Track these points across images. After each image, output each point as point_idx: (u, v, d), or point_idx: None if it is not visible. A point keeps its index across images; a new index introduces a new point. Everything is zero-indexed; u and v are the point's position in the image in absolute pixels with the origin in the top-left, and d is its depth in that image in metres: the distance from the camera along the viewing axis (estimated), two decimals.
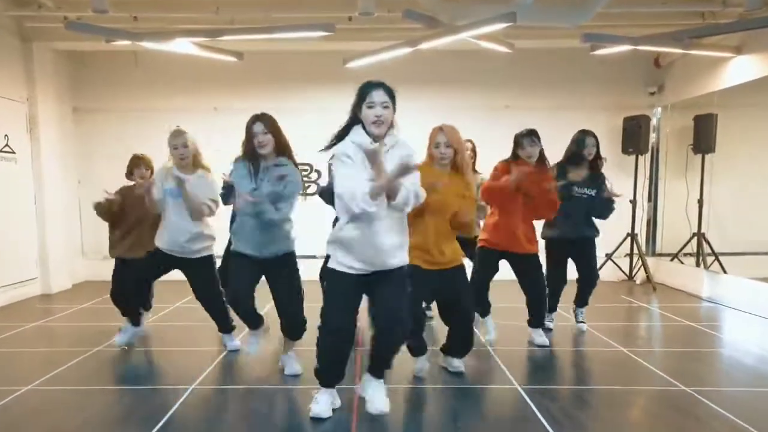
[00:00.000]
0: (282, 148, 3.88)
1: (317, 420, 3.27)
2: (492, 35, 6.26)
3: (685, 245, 7.63)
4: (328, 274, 3.25)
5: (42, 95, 7.45)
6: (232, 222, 4.34)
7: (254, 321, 4.16)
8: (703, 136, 7.33)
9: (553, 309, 5.25)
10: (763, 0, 5.82)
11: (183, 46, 6.33)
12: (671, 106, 8.15)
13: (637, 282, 8.09)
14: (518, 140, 4.67)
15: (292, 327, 4.03)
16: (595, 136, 5.08)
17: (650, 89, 8.31)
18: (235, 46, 6.94)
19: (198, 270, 4.58)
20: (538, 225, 5.00)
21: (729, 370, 4.41)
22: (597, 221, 5.16)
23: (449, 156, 3.71)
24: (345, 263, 3.10)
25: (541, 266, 4.80)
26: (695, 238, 7.48)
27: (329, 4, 6.56)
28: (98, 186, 6.26)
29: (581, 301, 5.33)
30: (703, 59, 6.96)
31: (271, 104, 8.19)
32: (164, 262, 4.52)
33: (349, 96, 7.74)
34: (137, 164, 4.90)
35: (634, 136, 7.96)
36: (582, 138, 5.05)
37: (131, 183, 4.90)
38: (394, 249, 3.12)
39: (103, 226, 5.07)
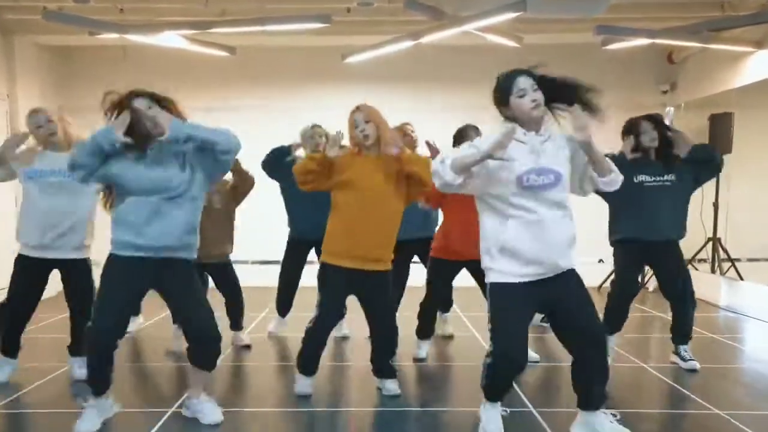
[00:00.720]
0: None
1: None
2: (499, 28, 5.99)
3: (699, 251, 7.33)
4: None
5: (23, 92, 7.15)
6: None
7: None
8: (719, 137, 7.01)
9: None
10: None
11: (172, 39, 6.05)
12: (685, 104, 7.87)
13: (650, 290, 7.77)
14: (463, 133, 4.37)
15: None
16: (653, 121, 4.21)
17: (663, 87, 8.06)
18: (228, 40, 6.68)
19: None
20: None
21: (761, 389, 4.00)
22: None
23: (372, 133, 3.45)
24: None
25: None
26: (710, 243, 7.20)
27: None
28: None
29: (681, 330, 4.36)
30: (720, 54, 6.67)
31: (267, 102, 8.01)
32: None
33: (349, 94, 7.44)
34: None
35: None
36: (635, 125, 4.21)
37: None
38: None
39: None
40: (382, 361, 3.82)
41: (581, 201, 3.11)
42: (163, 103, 3.12)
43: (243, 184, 4.70)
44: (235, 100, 8.02)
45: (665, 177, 4.08)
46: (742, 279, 6.81)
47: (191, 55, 6.71)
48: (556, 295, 2.87)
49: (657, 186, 4.08)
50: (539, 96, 2.81)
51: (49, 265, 3.91)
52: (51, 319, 5.44)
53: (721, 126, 6.99)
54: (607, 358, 3.00)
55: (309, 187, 3.59)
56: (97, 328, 3.04)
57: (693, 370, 4.20)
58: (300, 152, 5.02)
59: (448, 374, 4.35)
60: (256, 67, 7.85)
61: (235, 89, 8.05)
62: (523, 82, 2.81)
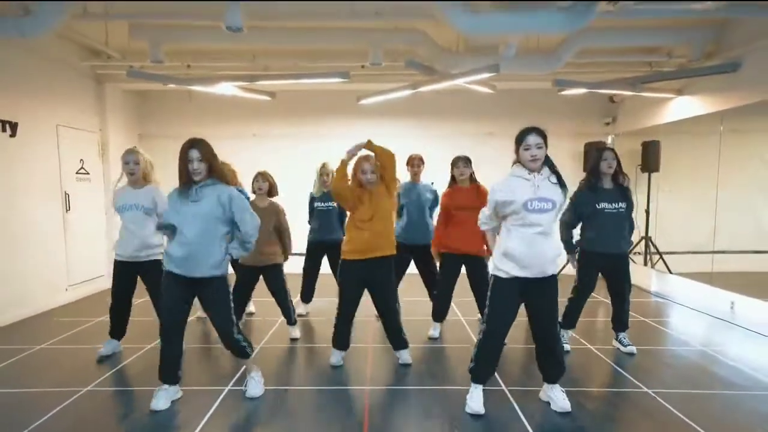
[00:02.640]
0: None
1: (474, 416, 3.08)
2: (478, 80, 5.97)
3: (635, 246, 7.33)
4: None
5: (112, 126, 7.16)
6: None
7: None
8: (649, 158, 7.01)
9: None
10: (701, 53, 5.53)
11: (226, 88, 6.05)
12: (623, 133, 7.81)
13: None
14: (454, 162, 4.42)
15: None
16: (613, 151, 4.09)
17: (606, 120, 7.97)
18: (269, 87, 6.64)
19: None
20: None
21: (682, 370, 3.91)
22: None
23: (376, 179, 3.73)
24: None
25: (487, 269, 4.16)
26: (643, 240, 7.22)
27: (346, 54, 6.25)
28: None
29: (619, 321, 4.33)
30: (650, 97, 6.60)
31: (298, 131, 8.01)
32: None
33: (362, 126, 7.52)
34: (256, 178, 4.47)
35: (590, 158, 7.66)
36: (599, 153, 4.10)
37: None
38: None
39: None
40: (394, 337, 3.93)
41: None
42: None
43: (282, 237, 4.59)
44: (274, 130, 8.01)
45: (619, 205, 4.02)
46: (669, 269, 6.79)
47: (241, 97, 6.71)
48: (537, 293, 3.04)
49: (613, 212, 4.02)
50: (540, 153, 2.94)
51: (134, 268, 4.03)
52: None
53: (651, 151, 6.99)
54: (564, 347, 3.18)
55: (341, 193, 3.73)
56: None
57: (631, 354, 4.21)
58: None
59: (439, 354, 4.30)
60: (290, 105, 7.80)
61: (274, 122, 8.00)
62: (531, 140, 2.94)
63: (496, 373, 3.59)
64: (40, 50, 5.70)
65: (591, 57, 6.01)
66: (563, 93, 6.45)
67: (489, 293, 3.13)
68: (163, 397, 3.20)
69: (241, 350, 3.32)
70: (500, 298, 3.08)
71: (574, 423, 3.01)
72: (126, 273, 4.03)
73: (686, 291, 6.13)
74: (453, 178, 4.43)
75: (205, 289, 3.17)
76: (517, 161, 3.07)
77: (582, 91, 6.10)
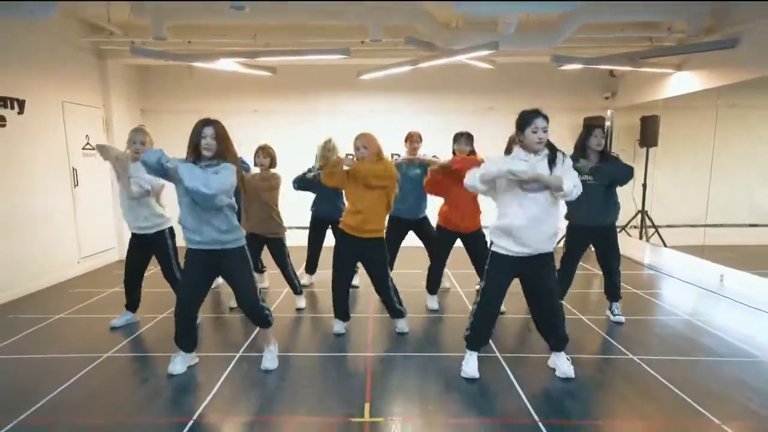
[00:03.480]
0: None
1: (469, 380, 3.33)
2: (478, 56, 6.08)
3: (631, 220, 7.54)
4: None
5: (115, 101, 7.31)
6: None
7: None
8: (648, 133, 7.16)
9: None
10: (700, 28, 5.63)
11: (228, 64, 6.17)
12: (622, 108, 7.94)
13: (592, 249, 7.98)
14: (456, 137, 4.49)
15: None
16: (602, 129, 4.23)
17: (605, 94, 8.09)
18: (270, 63, 6.75)
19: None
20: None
21: (668, 338, 4.17)
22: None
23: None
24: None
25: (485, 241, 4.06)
26: (639, 214, 7.42)
27: (346, 31, 6.35)
28: None
29: (609, 292, 4.55)
30: (649, 73, 6.72)
31: (299, 107, 8.14)
32: None
33: (362, 100, 7.66)
34: (257, 153, 4.60)
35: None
36: (589, 130, 4.22)
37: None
38: None
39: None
40: (390, 309, 4.21)
41: None
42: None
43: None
44: (275, 105, 8.14)
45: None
46: (664, 243, 7.00)
47: (241, 72, 6.81)
48: (534, 269, 3.24)
49: (599, 185, 4.14)
50: (545, 136, 3.09)
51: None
52: None
53: (649, 125, 7.13)
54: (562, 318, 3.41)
55: (331, 185, 3.99)
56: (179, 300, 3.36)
57: (619, 323, 4.46)
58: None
59: (437, 324, 4.56)
60: (291, 80, 7.91)
61: (275, 96, 8.12)
62: (540, 123, 3.07)
63: (491, 341, 3.83)
64: (42, 27, 5.80)
65: (591, 33, 6.10)
66: (563, 68, 6.56)
67: (486, 266, 3.35)
68: (180, 362, 3.46)
69: (263, 319, 3.47)
70: (497, 272, 3.30)
71: (562, 387, 3.27)
72: (138, 245, 4.27)
73: (678, 264, 6.37)
74: (453, 153, 4.53)
75: (224, 260, 3.32)
76: (518, 142, 3.20)
77: (581, 66, 6.21)
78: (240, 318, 4.63)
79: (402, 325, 4.23)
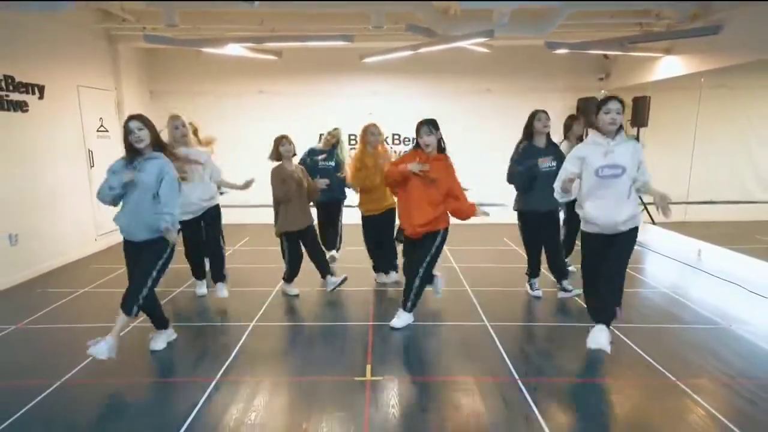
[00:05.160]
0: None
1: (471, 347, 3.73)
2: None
3: None
4: None
5: (126, 84, 7.60)
6: None
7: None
8: (639, 113, 7.45)
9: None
10: (686, 15, 5.88)
11: (235, 49, 6.44)
12: (615, 89, 8.18)
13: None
14: (417, 128, 3.93)
15: None
16: (546, 113, 4.43)
17: (599, 76, 8.34)
18: (275, 48, 7.00)
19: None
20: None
21: (646, 309, 4.52)
22: None
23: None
24: None
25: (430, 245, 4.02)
26: None
27: (349, 17, 6.59)
28: None
29: (557, 271, 4.78)
30: (641, 56, 6.98)
31: (303, 88, 8.41)
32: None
33: (364, 83, 7.93)
34: (282, 143, 4.60)
35: (586, 112, 8.07)
36: (534, 113, 4.42)
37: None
38: None
39: None
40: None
41: None
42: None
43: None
44: (279, 87, 8.41)
45: (551, 164, 4.34)
46: (653, 220, 7.31)
47: (247, 55, 7.07)
48: (609, 246, 3.38)
49: (547, 170, 4.31)
50: (619, 118, 3.25)
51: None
52: None
53: (640, 106, 7.42)
54: (617, 294, 3.40)
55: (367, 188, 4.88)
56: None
57: (537, 298, 4.77)
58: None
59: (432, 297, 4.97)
60: (295, 63, 8.15)
61: (280, 80, 8.38)
62: (612, 105, 3.24)
63: (484, 318, 4.25)
64: (56, 15, 6.02)
65: (582, 19, 6.34)
66: (556, 52, 6.80)
67: (580, 244, 3.60)
68: (161, 340, 3.76)
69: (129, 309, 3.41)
70: (587, 249, 3.56)
71: (539, 351, 3.68)
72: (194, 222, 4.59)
73: (661, 240, 6.74)
74: (417, 146, 4.03)
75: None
76: (590, 127, 3.39)
77: (573, 50, 6.46)
78: (257, 292, 5.04)
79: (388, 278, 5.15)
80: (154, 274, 3.41)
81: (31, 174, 5.68)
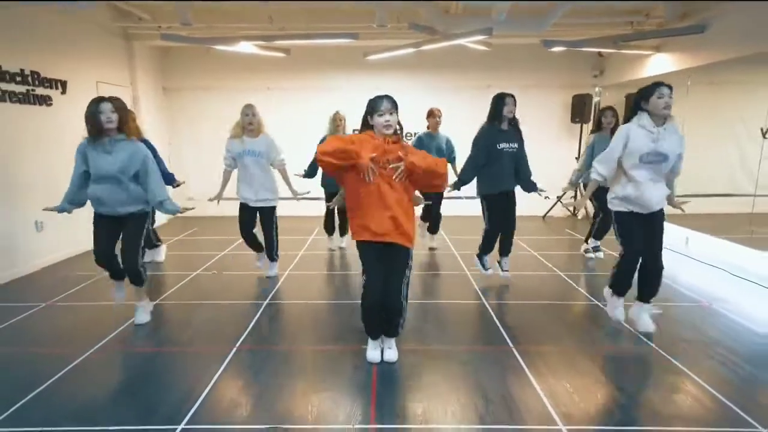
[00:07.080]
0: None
1: (462, 320, 3.95)
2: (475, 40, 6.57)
3: None
4: None
5: (141, 80, 7.85)
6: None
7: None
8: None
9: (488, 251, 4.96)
10: (676, 14, 6.11)
11: (246, 47, 6.69)
12: (609, 85, 8.44)
13: (579, 218, 8.64)
14: (373, 104, 2.95)
15: None
16: (513, 97, 4.48)
17: (594, 72, 8.56)
18: (284, 45, 7.25)
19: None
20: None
21: (633, 290, 4.77)
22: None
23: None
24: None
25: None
26: None
27: (355, 16, 6.83)
28: (185, 143, 6.74)
29: (507, 249, 4.92)
30: (633, 54, 7.22)
31: (310, 84, 8.67)
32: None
33: (368, 78, 8.19)
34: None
35: (580, 108, 8.33)
36: (501, 98, 4.47)
37: None
38: None
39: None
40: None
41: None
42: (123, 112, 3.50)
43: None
44: (287, 83, 8.66)
45: (512, 144, 4.47)
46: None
47: (256, 53, 7.32)
48: (647, 223, 3.58)
49: (510, 151, 4.47)
50: (671, 101, 3.29)
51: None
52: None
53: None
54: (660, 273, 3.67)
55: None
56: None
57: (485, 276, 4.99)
58: None
59: (437, 281, 5.25)
60: (302, 60, 8.37)
61: (287, 75, 8.62)
62: (665, 90, 3.30)
63: (480, 294, 4.50)
64: (76, 13, 6.30)
65: (577, 18, 6.58)
66: (552, 50, 7.05)
67: (615, 225, 3.71)
68: (142, 312, 3.98)
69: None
70: (624, 228, 3.63)
71: (533, 321, 3.94)
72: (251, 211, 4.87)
73: None
74: (369, 126, 3.04)
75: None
76: (640, 109, 3.38)
77: (567, 48, 6.70)
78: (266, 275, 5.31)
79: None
80: (141, 242, 3.72)
81: (55, 164, 5.94)
